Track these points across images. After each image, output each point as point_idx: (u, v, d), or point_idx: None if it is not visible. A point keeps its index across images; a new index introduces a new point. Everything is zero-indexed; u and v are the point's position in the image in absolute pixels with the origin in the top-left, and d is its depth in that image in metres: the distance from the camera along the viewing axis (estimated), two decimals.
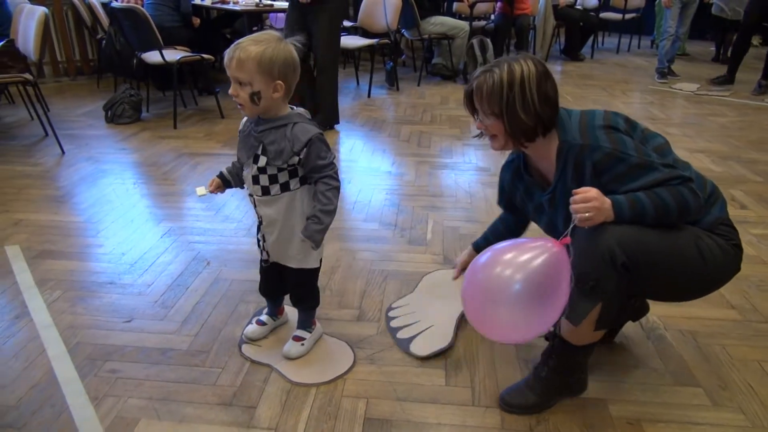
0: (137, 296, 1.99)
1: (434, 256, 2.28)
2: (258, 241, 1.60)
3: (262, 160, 1.44)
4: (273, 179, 1.46)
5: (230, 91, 1.39)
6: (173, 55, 3.96)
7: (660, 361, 1.68)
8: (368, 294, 2.02)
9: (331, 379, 1.60)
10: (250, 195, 1.53)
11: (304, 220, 1.49)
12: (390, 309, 1.92)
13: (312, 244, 1.49)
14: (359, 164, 3.35)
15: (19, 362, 1.66)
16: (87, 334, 1.78)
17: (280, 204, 1.49)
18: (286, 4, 4.67)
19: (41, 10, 3.36)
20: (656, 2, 6.48)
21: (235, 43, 1.37)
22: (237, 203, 2.75)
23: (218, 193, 1.63)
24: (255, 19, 4.75)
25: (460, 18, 6.10)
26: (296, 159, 1.43)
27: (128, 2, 4.31)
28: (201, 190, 1.60)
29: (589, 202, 1.24)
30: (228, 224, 2.54)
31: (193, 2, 4.67)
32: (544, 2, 6.24)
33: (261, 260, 1.64)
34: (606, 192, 1.28)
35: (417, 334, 1.76)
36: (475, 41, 5.32)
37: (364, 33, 5.35)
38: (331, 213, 1.47)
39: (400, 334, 1.78)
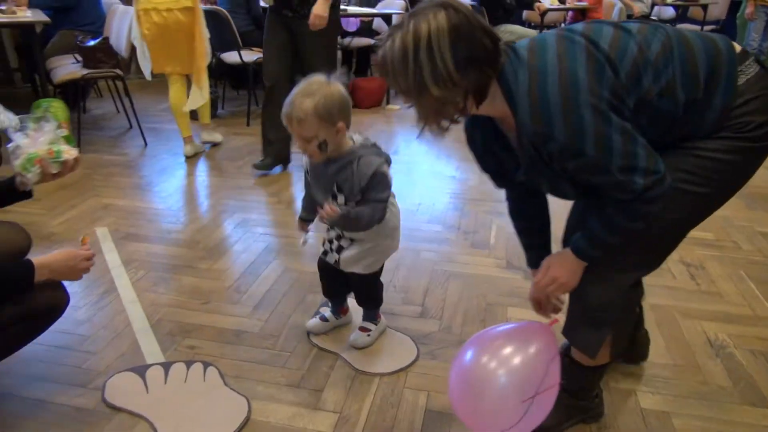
0: (213, 281, 2.12)
1: (497, 260, 2.30)
2: (327, 251, 1.66)
3: (340, 198, 1.50)
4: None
5: (297, 146, 1.44)
6: (250, 56, 4.15)
7: (728, 379, 1.65)
8: (431, 292, 2.07)
9: (395, 370, 1.66)
10: (332, 228, 1.61)
11: (385, 237, 1.61)
12: None
13: (330, 218, 1.45)
14: (423, 167, 3.40)
15: (108, 332, 1.81)
16: (168, 312, 1.92)
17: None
18: (358, 9, 4.82)
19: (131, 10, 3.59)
20: (739, 14, 6.22)
21: (288, 100, 1.38)
22: None
23: (305, 232, 1.74)
24: None
25: (530, 26, 6.06)
26: (364, 191, 1.48)
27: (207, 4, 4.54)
28: (304, 240, 1.73)
29: (551, 285, 1.21)
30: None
31: (262, 6, 4.86)
32: (618, 11, 6.12)
33: (321, 265, 1.73)
34: (573, 181, 1.09)
35: None
36: None
37: None
38: (362, 218, 1.48)
39: None
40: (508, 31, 5.27)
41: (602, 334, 1.28)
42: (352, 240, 1.61)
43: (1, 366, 1.63)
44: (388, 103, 4.86)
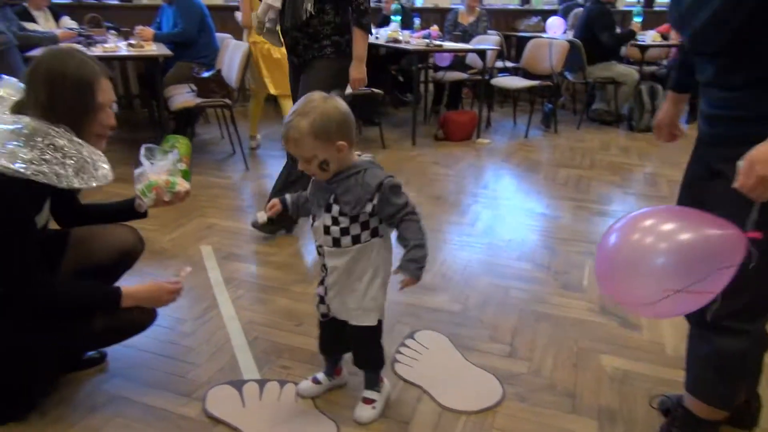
0: (306, 304, 2.20)
1: (590, 304, 2.23)
2: (319, 296, 1.56)
3: (335, 210, 1.40)
4: (344, 231, 1.41)
5: (299, 167, 1.39)
6: (348, 88, 4.32)
7: None
8: (520, 332, 2.04)
9: (481, 409, 1.65)
10: (320, 246, 1.48)
11: (372, 274, 1.46)
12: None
13: (414, 281, 1.43)
14: (512, 203, 3.38)
15: (209, 346, 1.92)
16: (264, 331, 2.01)
17: (350, 257, 1.44)
18: (453, 45, 4.91)
19: (245, 45, 3.87)
20: None
21: (285, 120, 1.35)
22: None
23: (270, 213, 1.61)
24: (422, 58, 5.03)
25: (629, 62, 5.89)
26: (370, 206, 1.38)
27: None
28: (261, 216, 1.67)
29: (759, 187, 1.02)
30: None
31: None
32: None
33: (320, 314, 1.59)
34: None
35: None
36: (644, 87, 5.12)
37: (525, 74, 5.39)
38: (425, 246, 1.41)
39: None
40: (607, 67, 5.16)
41: (734, 384, 1.25)
42: (336, 276, 1.49)
43: (116, 370, 1.78)
44: (478, 136, 4.87)
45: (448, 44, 4.83)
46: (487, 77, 4.94)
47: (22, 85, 1.44)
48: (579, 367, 1.85)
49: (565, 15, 6.33)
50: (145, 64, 4.94)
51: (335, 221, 1.41)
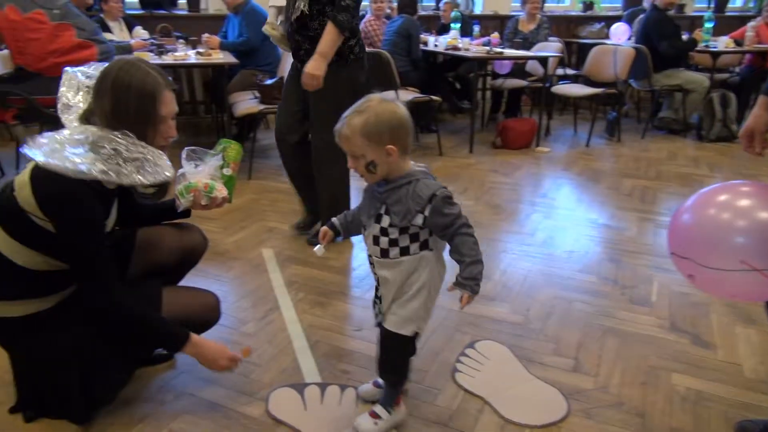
0: (365, 309, 2.21)
1: (660, 320, 2.14)
2: (374, 303, 1.56)
3: (385, 221, 1.39)
4: (393, 242, 1.39)
5: (348, 164, 1.37)
6: (406, 95, 4.34)
7: None
8: (585, 346, 1.97)
9: (545, 424, 1.61)
10: (370, 255, 1.48)
11: (420, 286, 1.42)
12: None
13: (472, 297, 1.41)
14: (575, 213, 3.29)
15: (271, 348, 1.95)
16: (324, 335, 2.03)
17: (398, 269, 1.42)
18: (513, 52, 4.85)
19: None
20: None
21: (343, 116, 1.35)
22: None
23: (323, 242, 1.58)
24: (482, 65, 4.98)
25: (697, 69, 5.66)
26: (420, 218, 1.35)
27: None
28: (320, 251, 1.55)
29: None
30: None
31: (424, 48, 5.07)
32: None
33: (376, 323, 1.57)
34: None
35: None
36: (715, 95, 4.90)
37: (586, 81, 5.26)
38: (481, 262, 1.38)
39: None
40: (675, 74, 4.97)
41: None
42: (386, 288, 1.47)
43: (183, 366, 1.83)
44: (537, 145, 4.78)
45: (509, 51, 4.77)
46: (547, 85, 4.84)
47: (84, 78, 1.49)
48: (648, 385, 1.77)
49: (629, 21, 6.14)
50: (212, 71, 5.10)
51: (384, 232, 1.39)
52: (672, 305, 2.25)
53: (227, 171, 1.69)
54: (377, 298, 1.52)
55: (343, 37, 2.38)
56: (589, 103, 6.24)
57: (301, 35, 2.46)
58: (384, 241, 1.40)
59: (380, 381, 1.67)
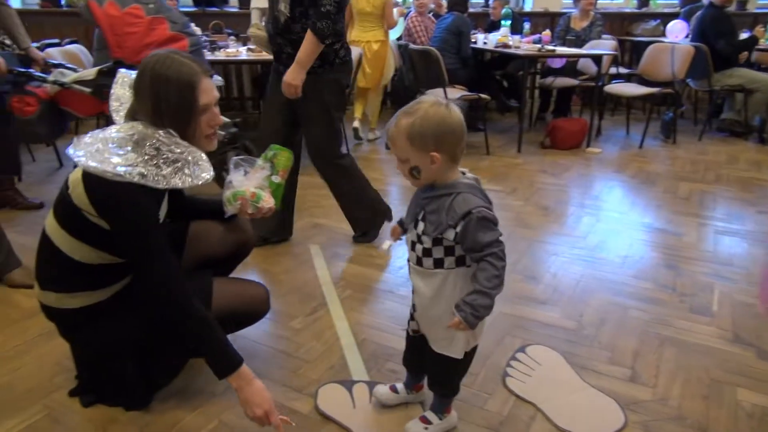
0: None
1: (722, 331, 2.04)
2: (411, 312, 1.50)
3: (421, 227, 1.33)
4: (427, 252, 1.32)
5: (396, 166, 1.34)
6: (454, 93, 4.29)
7: None
8: (642, 356, 1.90)
9: None
10: (408, 260, 1.42)
11: (451, 307, 1.31)
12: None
13: (465, 325, 1.28)
14: (628, 217, 3.18)
15: (319, 344, 1.95)
16: (371, 333, 2.02)
17: (432, 280, 1.34)
18: (566, 50, 4.73)
19: (357, 51, 3.94)
20: None
21: (395, 115, 1.29)
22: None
23: (395, 239, 1.54)
24: (531, 63, 4.88)
25: (759, 69, 5.40)
26: (452, 233, 1.27)
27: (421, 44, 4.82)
28: (386, 246, 1.53)
29: None
30: None
31: (473, 46, 5.00)
32: None
33: (410, 329, 1.54)
34: None
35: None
36: None
37: (641, 80, 5.09)
38: (490, 296, 1.25)
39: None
40: (737, 74, 4.75)
41: None
42: (420, 297, 1.40)
43: None
44: (588, 145, 4.65)
45: (562, 49, 4.66)
46: (600, 83, 4.71)
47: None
48: (711, 400, 1.69)
49: (687, 18, 5.92)
50: (260, 67, 5.17)
51: (419, 239, 1.34)
52: (735, 316, 2.14)
53: (276, 179, 1.69)
54: (413, 304, 1.47)
55: (322, 45, 2.28)
56: (642, 103, 6.05)
57: (284, 38, 2.36)
58: (419, 248, 1.34)
59: (398, 386, 1.65)
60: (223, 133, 2.59)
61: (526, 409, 1.65)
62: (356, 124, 4.87)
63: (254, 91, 5.83)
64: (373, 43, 4.53)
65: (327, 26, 2.24)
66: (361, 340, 1.98)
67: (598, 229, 3.00)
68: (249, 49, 4.07)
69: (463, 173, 1.34)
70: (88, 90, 2.68)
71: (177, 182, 1.38)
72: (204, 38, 4.36)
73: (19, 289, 2.30)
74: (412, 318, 1.50)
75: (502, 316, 2.13)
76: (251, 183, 1.65)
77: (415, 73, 4.73)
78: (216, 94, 1.49)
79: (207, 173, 1.44)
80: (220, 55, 3.84)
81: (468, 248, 1.27)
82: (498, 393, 1.72)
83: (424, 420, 1.53)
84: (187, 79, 1.39)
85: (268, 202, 1.65)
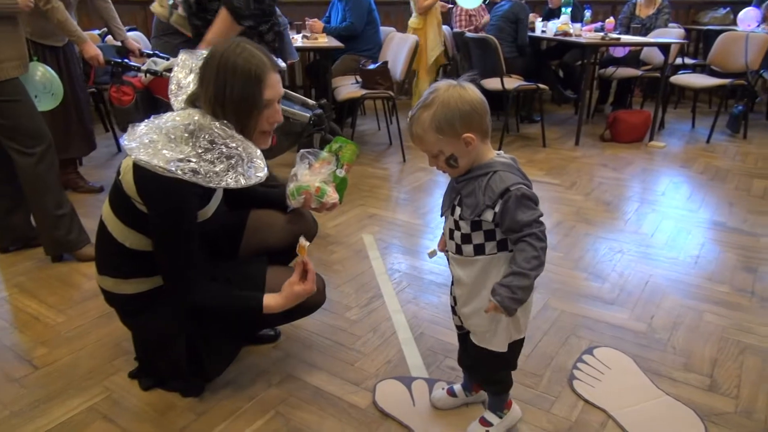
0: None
1: None
2: (451, 306, 1.43)
3: (457, 212, 1.26)
4: (466, 238, 1.25)
5: (429, 163, 1.27)
6: (512, 83, 4.15)
7: None
8: (721, 363, 1.77)
9: None
10: (446, 251, 1.35)
11: None
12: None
13: (504, 312, 1.21)
14: (699, 215, 2.99)
15: (375, 337, 1.90)
16: (429, 328, 1.95)
17: (472, 268, 1.27)
18: (634, 38, 4.51)
19: (413, 39, 3.86)
20: None
21: (410, 114, 1.23)
22: (564, 233, 2.72)
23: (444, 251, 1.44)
24: (592, 51, 4.67)
25: None
26: (490, 214, 1.20)
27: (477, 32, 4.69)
28: (432, 253, 1.44)
29: None
30: (555, 252, 2.53)
31: (530, 34, 4.83)
32: None
33: (455, 326, 1.46)
34: None
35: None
36: None
37: (709, 71, 4.81)
38: (529, 277, 1.17)
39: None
40: None
41: None
42: (460, 288, 1.32)
43: (289, 349, 1.82)
44: (651, 139, 4.44)
45: (627, 37, 4.44)
46: (666, 74, 4.47)
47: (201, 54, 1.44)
48: None
49: (759, 4, 5.56)
50: (312, 56, 5.15)
51: (457, 225, 1.26)
52: None
53: (340, 172, 1.64)
54: (453, 298, 1.40)
55: (240, 27, 2.06)
56: (709, 95, 5.75)
57: (200, 19, 2.17)
58: (457, 235, 1.27)
59: (455, 388, 1.57)
60: (308, 114, 2.53)
61: (597, 415, 1.55)
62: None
63: (306, 80, 5.81)
64: (413, 27, 4.88)
65: (245, 4, 2.01)
66: (418, 334, 1.92)
67: (666, 227, 2.84)
68: (305, 37, 4.04)
69: (499, 153, 1.27)
70: None
71: (229, 182, 1.33)
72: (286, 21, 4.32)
73: (86, 263, 2.38)
74: (454, 312, 1.42)
75: (566, 315, 2.03)
76: (316, 177, 1.60)
77: (470, 63, 4.61)
78: (281, 90, 1.45)
79: (261, 172, 1.39)
80: None
81: (507, 228, 1.19)
82: (565, 396, 1.62)
83: (484, 422, 1.46)
84: (255, 71, 1.36)
85: (332, 197, 1.61)
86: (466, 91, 1.18)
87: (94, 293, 2.09)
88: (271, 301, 1.44)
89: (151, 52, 2.99)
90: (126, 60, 2.80)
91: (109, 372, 1.71)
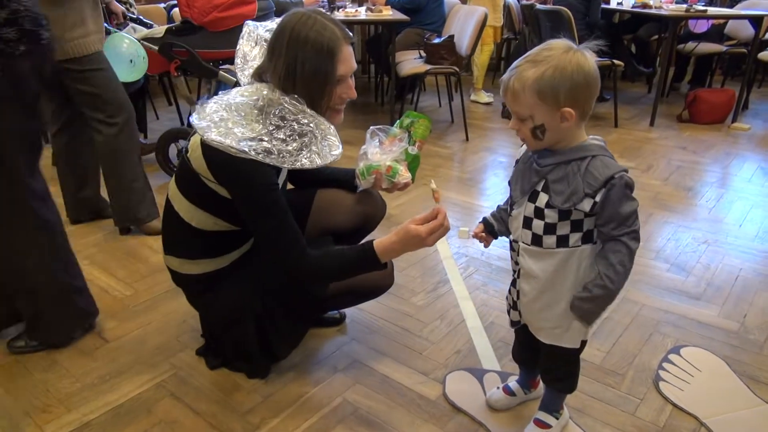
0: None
1: None
2: (508, 295, 1.32)
3: (542, 199, 1.12)
4: (550, 228, 1.12)
5: (510, 125, 1.14)
6: None
7: None
8: None
9: None
10: (515, 241, 1.22)
11: (574, 291, 1.15)
12: None
13: (583, 323, 1.15)
14: None
15: (443, 325, 1.82)
16: (500, 317, 1.85)
17: (550, 261, 1.15)
18: (720, 10, 4.15)
19: (482, 10, 3.68)
20: None
21: (513, 65, 1.08)
22: (642, 219, 2.55)
23: (481, 242, 1.36)
24: (674, 24, 4.35)
25: None
26: (589, 203, 1.07)
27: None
28: (463, 233, 1.36)
29: None
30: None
31: (605, 7, 4.55)
32: None
33: (510, 320, 1.35)
34: None
35: None
36: None
37: None
38: (610, 289, 1.08)
39: None
40: None
41: None
42: (529, 282, 1.20)
43: (355, 333, 1.77)
44: (734, 120, 4.12)
45: (714, 9, 4.11)
46: (754, 49, 4.11)
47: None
48: None
49: None
50: (373, 29, 5.03)
51: (539, 214, 1.13)
52: None
53: (412, 150, 1.55)
54: (514, 290, 1.28)
55: None
56: None
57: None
58: (538, 225, 1.14)
59: (511, 386, 1.47)
60: None
61: (687, 421, 1.43)
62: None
63: (365, 54, 5.71)
64: None
65: None
66: (488, 323, 1.83)
67: (756, 216, 2.61)
68: (369, 9, 3.93)
69: (594, 138, 1.14)
70: (155, 48, 2.67)
71: (305, 162, 1.27)
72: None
73: (153, 236, 2.39)
74: (513, 307, 1.30)
75: (648, 310, 1.89)
76: (387, 156, 1.53)
77: (539, 37, 4.38)
78: (354, 64, 1.37)
79: (336, 150, 1.31)
80: (339, 15, 3.73)
81: (606, 221, 1.07)
82: (650, 399, 1.50)
83: (541, 424, 1.35)
84: (328, 44, 1.28)
85: (404, 176, 1.53)
86: (587, 60, 1.04)
87: (161, 267, 2.10)
88: (384, 243, 1.31)
89: (135, 17, 2.94)
90: (106, 25, 2.73)
91: (176, 349, 1.70)
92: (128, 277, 2.11)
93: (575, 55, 1.03)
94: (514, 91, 1.07)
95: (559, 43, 1.06)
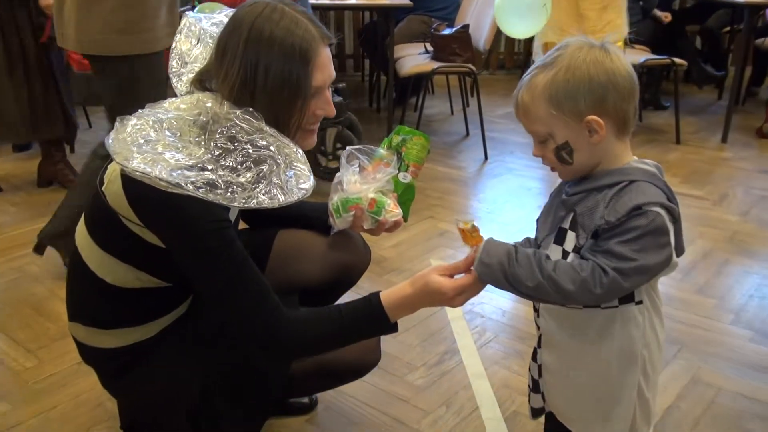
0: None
1: None
2: (532, 379, 1.26)
3: (570, 241, 1.08)
4: None
5: (533, 152, 1.12)
6: (635, 56, 3.91)
7: None
8: None
9: None
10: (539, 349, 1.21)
11: (620, 362, 1.08)
12: None
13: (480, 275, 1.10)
14: None
15: (451, 414, 1.74)
16: (525, 404, 1.75)
17: (579, 325, 1.11)
18: None
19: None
20: None
21: (523, 76, 1.09)
22: (715, 269, 2.47)
23: None
24: (751, 12, 4.34)
25: None
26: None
27: None
28: (468, 229, 1.23)
29: None
30: (703, 297, 2.29)
31: None
32: None
33: (530, 408, 1.30)
34: None
35: None
36: None
37: None
38: (535, 276, 1.02)
39: None
40: None
41: None
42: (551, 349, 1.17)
43: (327, 424, 1.69)
44: None
45: None
46: None
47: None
48: None
49: None
50: (368, 15, 5.05)
51: (566, 257, 1.08)
52: None
53: (405, 177, 1.49)
54: (534, 365, 1.24)
55: None
56: None
57: None
58: None
59: None
60: None
61: None
62: None
63: (358, 48, 5.72)
64: None
65: None
66: (511, 412, 1.75)
67: None
68: None
69: (643, 162, 1.11)
70: None
71: (263, 198, 1.14)
72: None
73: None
74: (533, 389, 1.26)
75: (726, 396, 1.80)
76: (370, 185, 1.45)
77: None
78: (332, 72, 1.30)
79: (305, 182, 1.19)
80: (324, 0, 3.73)
81: (602, 249, 1.01)
82: None
83: None
84: (301, 46, 1.21)
85: (392, 212, 1.45)
86: (608, 56, 1.03)
87: None
88: (394, 296, 1.23)
89: None
90: None
91: None
92: (31, 341, 2.03)
93: (591, 51, 1.03)
94: (525, 105, 1.07)
95: (575, 40, 1.06)
